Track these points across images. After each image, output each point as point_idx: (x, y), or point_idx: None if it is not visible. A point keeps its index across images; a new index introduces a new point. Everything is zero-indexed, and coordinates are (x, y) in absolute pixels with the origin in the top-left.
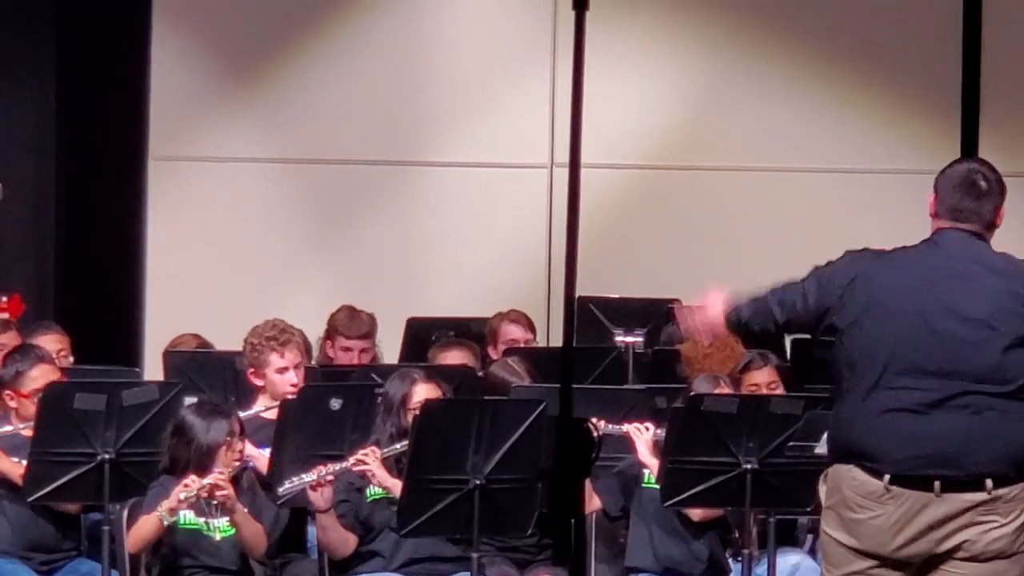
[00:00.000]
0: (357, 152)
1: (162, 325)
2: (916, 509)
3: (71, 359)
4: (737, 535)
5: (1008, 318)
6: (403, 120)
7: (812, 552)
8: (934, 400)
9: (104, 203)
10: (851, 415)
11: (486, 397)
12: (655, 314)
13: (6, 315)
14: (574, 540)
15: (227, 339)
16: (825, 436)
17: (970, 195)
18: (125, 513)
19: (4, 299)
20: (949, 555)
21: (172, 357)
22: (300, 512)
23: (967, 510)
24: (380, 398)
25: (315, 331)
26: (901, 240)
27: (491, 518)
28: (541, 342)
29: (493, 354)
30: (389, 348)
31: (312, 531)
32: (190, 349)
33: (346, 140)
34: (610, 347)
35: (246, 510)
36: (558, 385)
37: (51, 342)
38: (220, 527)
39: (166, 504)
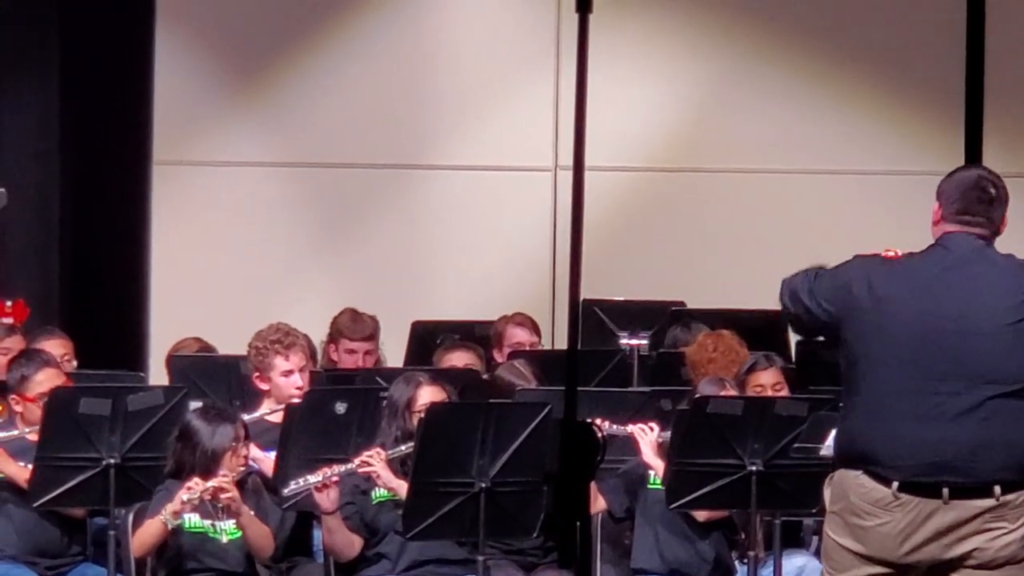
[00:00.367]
0: (361, 156)
1: (166, 329)
2: (924, 516)
3: (75, 363)
4: (743, 536)
5: (1017, 323)
6: (407, 124)
7: (818, 554)
8: (946, 406)
9: (108, 207)
10: (860, 421)
11: (491, 400)
12: (660, 316)
13: (11, 320)
14: (579, 542)
15: (231, 343)
16: (830, 438)
17: (982, 200)
18: (131, 518)
19: (9, 304)
20: (960, 563)
21: (177, 361)
22: (306, 515)
23: (975, 517)
24: (385, 401)
25: (320, 335)
26: (905, 241)
27: (497, 521)
28: (546, 345)
29: (498, 357)
30: (394, 351)
31: (318, 534)
32: (194, 353)
33: (350, 144)
34: (615, 350)
35: (252, 512)
36: (563, 388)
37: (55, 347)
38: (227, 530)
39: (170, 507)
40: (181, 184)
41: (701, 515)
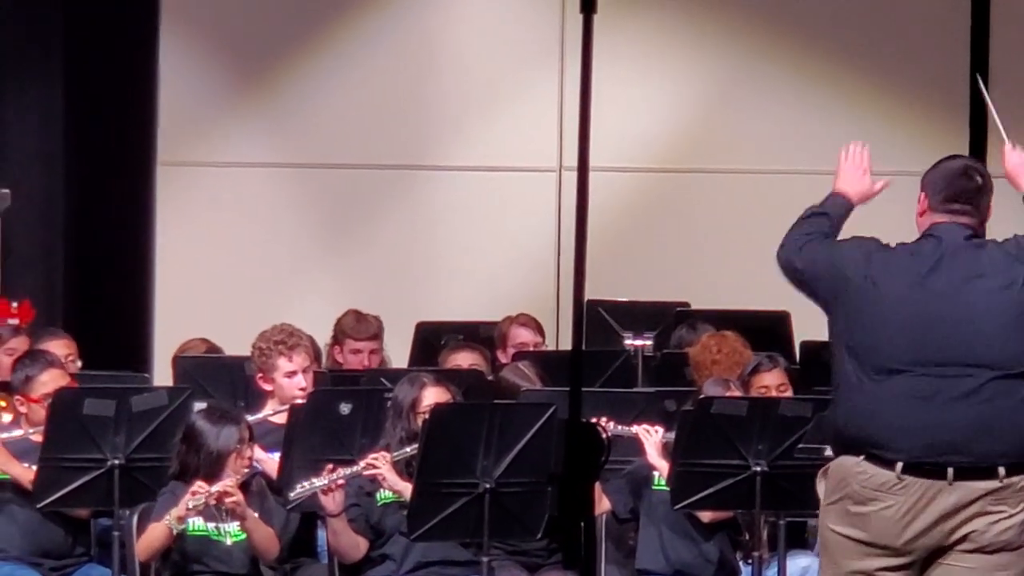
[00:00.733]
0: (365, 156)
1: (171, 330)
2: (928, 498)
3: (79, 364)
4: (747, 537)
5: (1014, 301)
6: (411, 124)
7: None
8: (948, 389)
9: (112, 208)
10: (859, 405)
11: (495, 401)
12: (664, 317)
13: (16, 321)
14: (584, 543)
15: (235, 344)
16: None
17: (968, 188)
18: (135, 518)
19: (14, 305)
20: (954, 546)
21: (181, 362)
22: (310, 516)
23: (977, 499)
24: (389, 402)
25: (324, 336)
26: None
27: (501, 522)
28: (550, 345)
29: (503, 358)
30: (398, 352)
31: (322, 535)
32: (199, 354)
33: (354, 144)
34: (619, 350)
35: (256, 515)
36: (567, 388)
37: (59, 347)
38: (231, 532)
39: (174, 512)
40: (185, 185)
41: (706, 516)
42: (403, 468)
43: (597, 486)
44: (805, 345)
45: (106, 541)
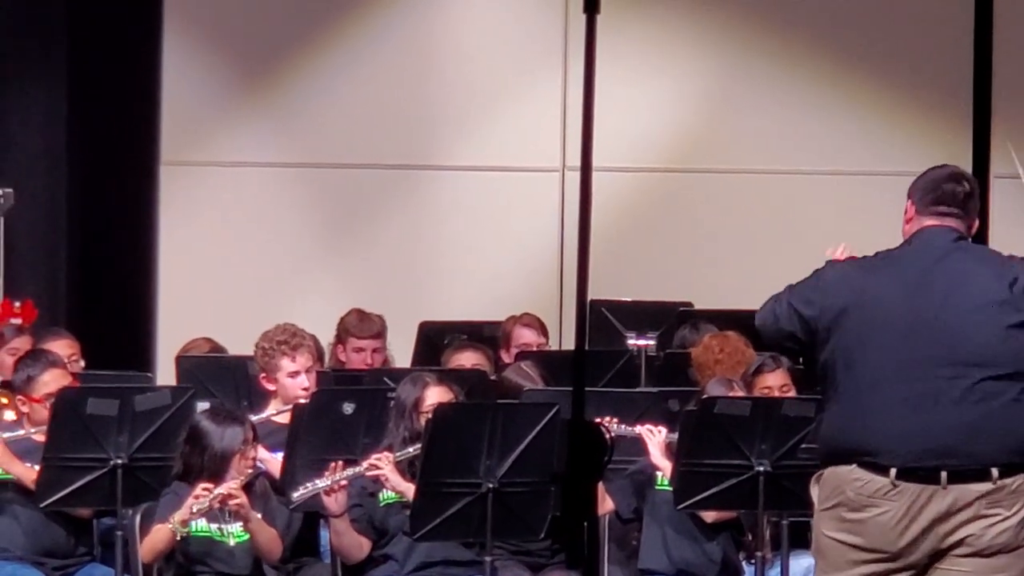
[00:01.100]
0: (369, 156)
1: (174, 330)
2: (922, 502)
3: (82, 364)
4: (750, 537)
5: (1002, 306)
6: (415, 124)
7: None
8: (939, 392)
9: (116, 208)
10: (849, 414)
11: (499, 400)
12: (667, 317)
13: (19, 320)
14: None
15: (239, 343)
16: None
17: (955, 193)
18: (138, 518)
19: (17, 305)
20: (951, 550)
21: (184, 362)
22: (313, 516)
23: (972, 502)
24: (392, 402)
25: (327, 335)
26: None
27: (504, 521)
28: (553, 345)
29: (506, 358)
30: (401, 352)
31: (325, 535)
32: (202, 354)
33: (358, 144)
34: (622, 350)
35: (260, 516)
36: (571, 388)
37: (61, 347)
38: (234, 533)
39: (178, 516)
40: (189, 185)
41: (709, 516)
42: (406, 468)
43: (600, 486)
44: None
45: (109, 541)
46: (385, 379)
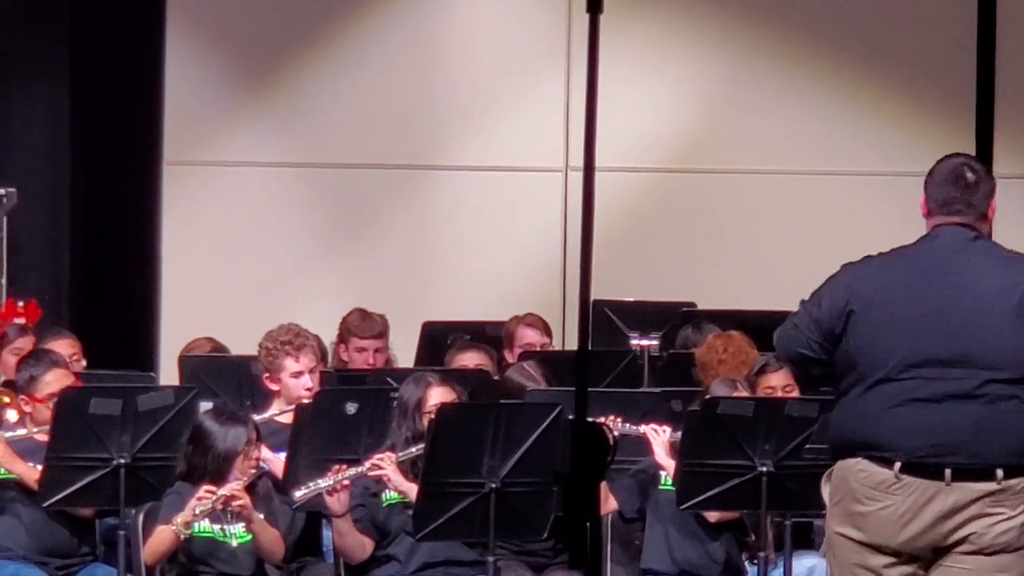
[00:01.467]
0: (371, 156)
1: (177, 329)
2: (925, 499)
3: (83, 363)
4: (753, 537)
5: (1013, 305)
6: (418, 124)
7: None
8: (948, 390)
9: (118, 208)
10: (859, 408)
11: (501, 400)
12: (670, 317)
13: (23, 320)
14: (590, 543)
15: (242, 343)
16: None
17: (959, 187)
18: (141, 518)
19: (21, 304)
20: (953, 548)
21: (187, 361)
22: (315, 516)
23: (976, 500)
24: (395, 402)
25: (330, 335)
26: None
27: (507, 521)
28: (556, 345)
29: (510, 358)
30: (404, 352)
31: (328, 535)
32: (205, 353)
33: (361, 144)
34: (625, 350)
35: (262, 516)
36: (573, 388)
37: (63, 347)
38: (236, 533)
39: (181, 518)
40: (192, 184)
41: (712, 516)
42: (408, 468)
43: (603, 486)
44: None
45: (112, 540)
46: (388, 379)
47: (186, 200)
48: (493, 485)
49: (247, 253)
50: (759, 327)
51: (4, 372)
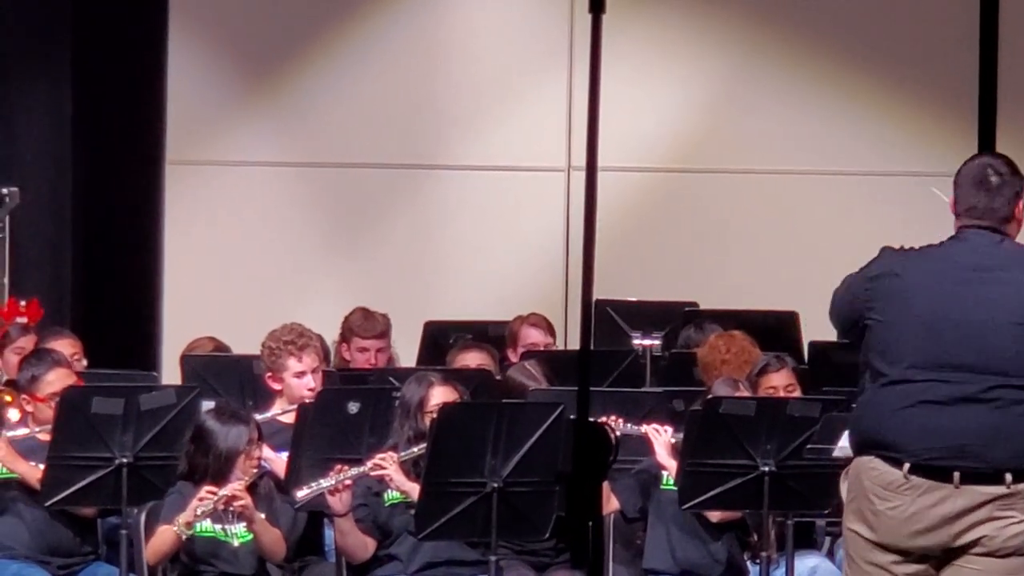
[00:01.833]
0: (374, 155)
1: (179, 329)
2: (934, 501)
3: (84, 362)
4: (755, 537)
5: None
6: (420, 124)
7: (830, 555)
8: (960, 394)
9: (121, 207)
10: (874, 406)
11: (504, 400)
12: (672, 317)
13: (25, 319)
14: (592, 542)
15: (244, 343)
16: (843, 439)
17: (982, 191)
18: (143, 517)
19: (23, 304)
20: (966, 550)
21: (189, 361)
22: (317, 515)
23: (985, 504)
24: (397, 401)
25: (332, 335)
26: (918, 242)
27: (509, 521)
28: (559, 345)
29: (513, 357)
30: (406, 351)
31: (329, 534)
32: (207, 353)
33: (363, 143)
34: (627, 350)
35: (263, 516)
36: (576, 388)
37: (64, 346)
38: (238, 533)
39: (183, 518)
40: (194, 184)
41: (714, 516)
42: (410, 468)
43: (605, 485)
44: (813, 345)
45: (114, 540)
46: (390, 379)
47: (188, 200)
48: (495, 485)
49: (249, 252)
50: (761, 327)
51: (6, 371)
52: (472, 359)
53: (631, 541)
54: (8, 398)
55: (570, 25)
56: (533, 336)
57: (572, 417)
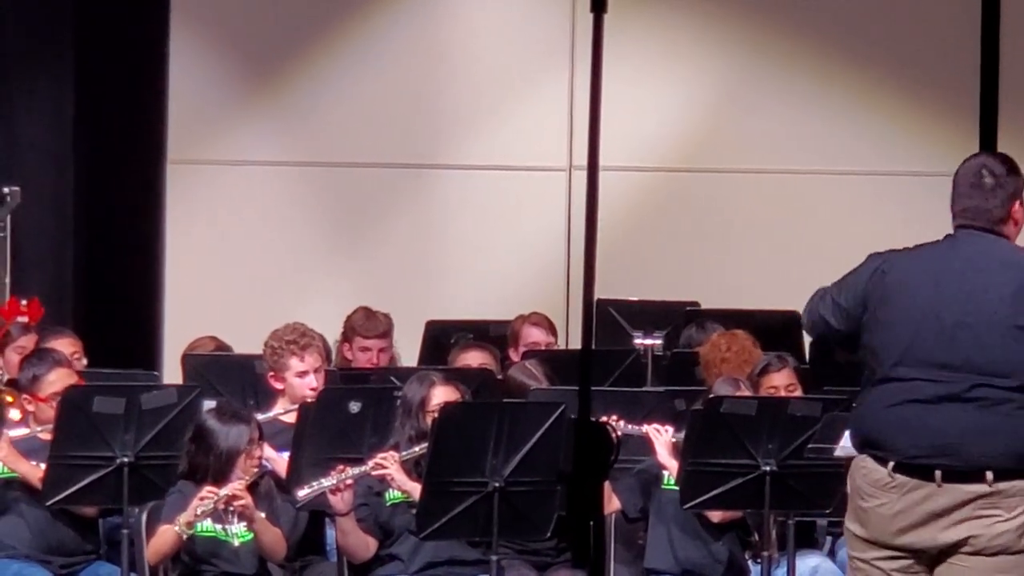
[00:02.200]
0: (375, 155)
1: (181, 328)
2: (918, 499)
3: (85, 362)
4: (756, 537)
5: (1016, 313)
6: (422, 123)
7: (831, 554)
8: (945, 393)
9: (122, 207)
10: (867, 405)
11: (505, 400)
12: (674, 317)
13: (26, 319)
14: (593, 542)
15: (245, 342)
16: (845, 438)
17: (976, 193)
18: (144, 517)
19: (24, 303)
20: (956, 548)
21: (191, 360)
22: (319, 514)
23: (968, 502)
24: (399, 401)
25: (334, 334)
26: (920, 242)
27: (510, 521)
28: (560, 344)
29: (514, 357)
30: (408, 351)
31: (331, 533)
32: (209, 352)
33: (364, 143)
34: (629, 350)
35: (264, 515)
36: (577, 387)
37: (65, 345)
38: (239, 533)
39: (184, 518)
40: (195, 183)
41: (715, 515)
42: (412, 467)
43: (607, 485)
44: (815, 345)
45: (115, 539)
46: (391, 378)
47: (190, 199)
48: (496, 484)
49: (251, 252)
50: (763, 326)
51: (7, 371)
52: (473, 359)
53: (632, 541)
54: (9, 398)
55: (571, 25)
56: (535, 335)
57: (573, 417)
